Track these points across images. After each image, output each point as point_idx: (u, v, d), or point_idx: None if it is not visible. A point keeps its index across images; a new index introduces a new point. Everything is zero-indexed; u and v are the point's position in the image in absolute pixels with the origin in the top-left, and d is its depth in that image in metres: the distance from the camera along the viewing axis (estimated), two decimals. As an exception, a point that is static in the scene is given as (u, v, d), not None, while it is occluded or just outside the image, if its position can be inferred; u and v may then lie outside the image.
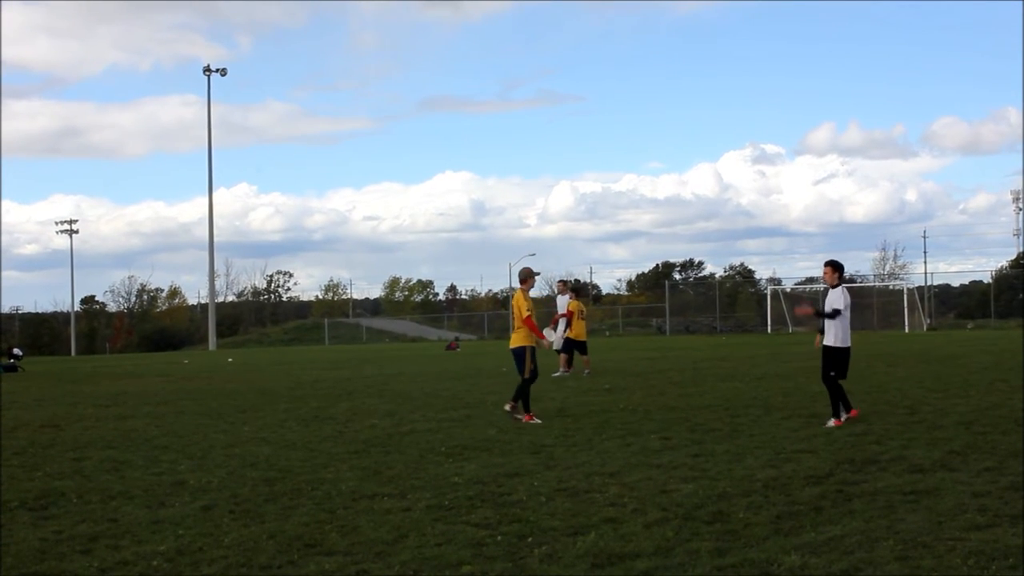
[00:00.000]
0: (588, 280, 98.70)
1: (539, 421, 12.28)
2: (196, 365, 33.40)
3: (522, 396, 12.68)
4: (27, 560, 6.21)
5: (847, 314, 11.44)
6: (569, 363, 20.72)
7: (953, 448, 9.28)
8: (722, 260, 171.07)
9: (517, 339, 12.92)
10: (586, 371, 20.53)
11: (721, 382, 17.64)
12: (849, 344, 11.50)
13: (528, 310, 12.97)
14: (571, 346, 20.60)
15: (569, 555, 5.91)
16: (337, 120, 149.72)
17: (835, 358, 11.44)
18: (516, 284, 13.58)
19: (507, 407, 12.76)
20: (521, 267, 13.78)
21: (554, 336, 21.18)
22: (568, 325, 20.42)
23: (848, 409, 11.37)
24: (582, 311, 20.83)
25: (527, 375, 12.72)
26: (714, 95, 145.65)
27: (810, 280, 70.07)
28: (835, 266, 11.55)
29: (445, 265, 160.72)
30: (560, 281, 22.40)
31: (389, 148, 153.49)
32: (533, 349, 12.88)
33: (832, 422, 11.10)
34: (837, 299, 11.43)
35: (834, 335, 11.44)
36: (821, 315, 11.62)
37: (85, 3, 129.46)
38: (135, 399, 18.01)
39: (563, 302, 21.15)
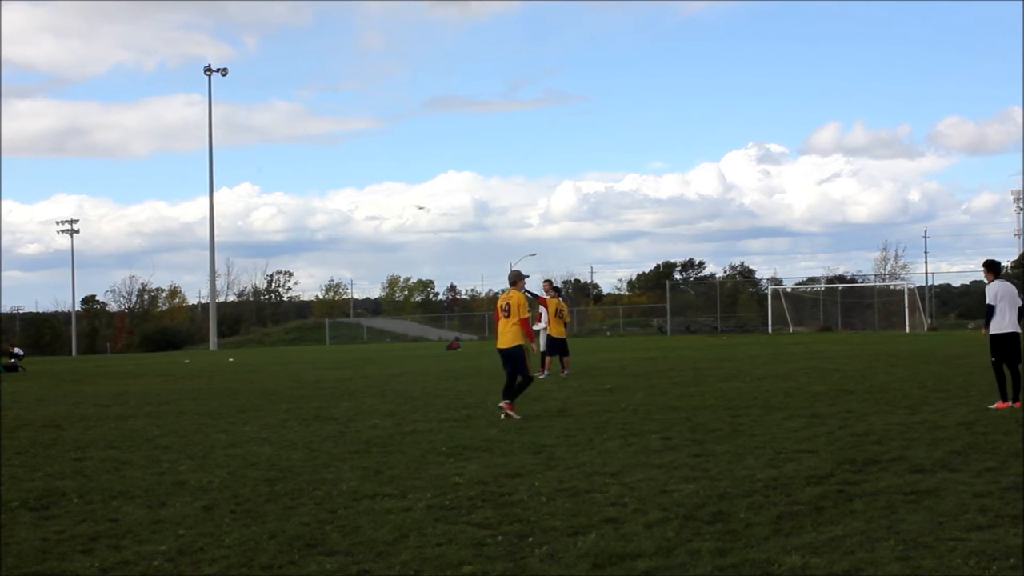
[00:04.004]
0: (589, 280, 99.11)
1: (518, 417, 12.64)
2: (197, 365, 33.40)
3: (520, 392, 13.05)
4: (28, 560, 6.22)
5: (1002, 304, 12.54)
6: (557, 364, 20.75)
7: (954, 448, 9.29)
8: (724, 260, 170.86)
9: (512, 338, 13.02)
10: (546, 373, 20.41)
11: (722, 382, 17.64)
12: (1007, 330, 12.50)
13: (527, 311, 13.30)
14: (555, 346, 20.56)
15: (570, 555, 5.92)
16: (341, 120, 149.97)
17: (995, 344, 12.55)
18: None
19: (505, 408, 12.81)
20: (519, 267, 13.99)
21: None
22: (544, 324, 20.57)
23: (1003, 397, 12.28)
24: (560, 310, 20.76)
25: (529, 374, 13.09)
26: (718, 95, 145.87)
27: (812, 280, 70.15)
28: (986, 265, 12.95)
29: (447, 265, 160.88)
30: (545, 281, 22.59)
31: (392, 148, 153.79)
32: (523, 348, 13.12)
33: (997, 404, 12.20)
34: (988, 294, 12.70)
35: (996, 323, 12.57)
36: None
37: (90, 3, 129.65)
38: (136, 399, 18.02)
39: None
